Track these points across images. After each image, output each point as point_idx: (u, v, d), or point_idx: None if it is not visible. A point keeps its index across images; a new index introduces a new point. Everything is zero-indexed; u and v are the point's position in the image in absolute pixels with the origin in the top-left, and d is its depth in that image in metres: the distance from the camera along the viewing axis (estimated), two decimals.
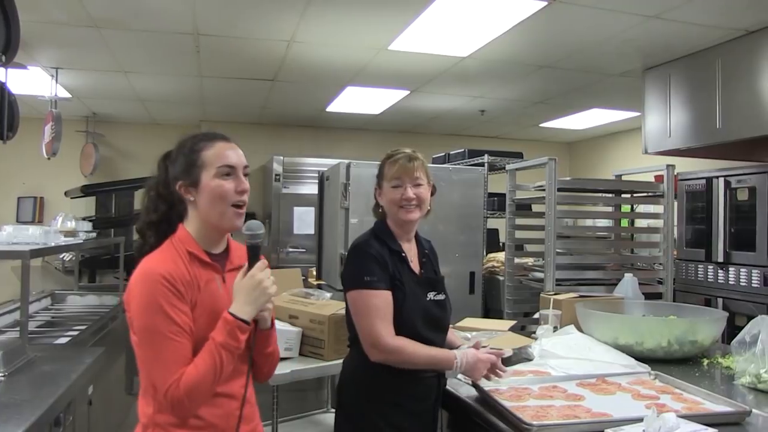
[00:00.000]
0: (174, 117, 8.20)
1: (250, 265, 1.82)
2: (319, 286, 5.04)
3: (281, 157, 7.75)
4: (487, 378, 2.27)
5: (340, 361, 2.47)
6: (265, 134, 8.46)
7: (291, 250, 7.53)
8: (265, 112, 7.79)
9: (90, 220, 6.07)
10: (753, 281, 4.80)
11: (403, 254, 2.31)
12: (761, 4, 3.92)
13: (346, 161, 4.83)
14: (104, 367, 3.34)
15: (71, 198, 7.64)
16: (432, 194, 2.41)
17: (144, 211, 1.85)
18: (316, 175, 6.00)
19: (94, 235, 5.55)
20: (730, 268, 4.99)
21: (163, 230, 1.83)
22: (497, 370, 2.28)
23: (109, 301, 5.17)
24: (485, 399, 2.17)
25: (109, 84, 6.36)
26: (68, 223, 5.10)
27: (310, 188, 7.09)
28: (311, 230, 7.03)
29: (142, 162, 7.73)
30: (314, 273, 5.65)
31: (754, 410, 2.04)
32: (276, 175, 7.68)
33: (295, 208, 7.59)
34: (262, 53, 5.16)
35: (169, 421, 1.69)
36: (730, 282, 4.98)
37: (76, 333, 3.87)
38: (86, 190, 7.32)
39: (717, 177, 5.12)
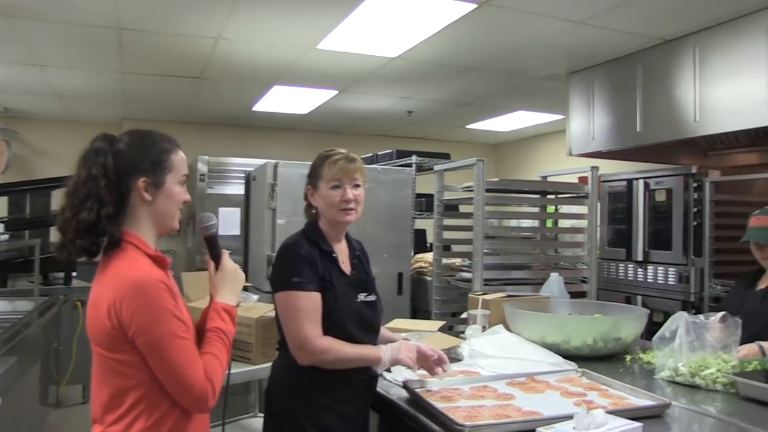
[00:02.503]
0: (94, 114, 7.92)
1: (213, 255, 1.95)
2: (246, 288, 4.94)
3: (206, 157, 7.60)
4: (431, 372, 2.29)
5: (268, 364, 2.41)
6: (190, 133, 8.27)
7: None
8: (191, 111, 7.62)
9: (2, 222, 5.80)
10: (669, 279, 4.98)
11: (334, 255, 2.27)
12: (678, 14, 4.07)
13: (274, 161, 4.77)
14: (16, 378, 3.18)
15: None
16: None
17: (95, 202, 1.68)
18: (242, 175, 5.91)
19: (6, 237, 5.30)
20: (648, 267, 5.16)
21: (117, 228, 1.73)
22: (443, 365, 2.30)
23: (22, 307, 4.92)
24: (416, 400, 2.16)
25: (22, 78, 6.07)
26: None
27: (236, 188, 6.97)
28: (237, 231, 6.91)
29: (60, 161, 7.43)
30: None
31: (672, 402, 2.12)
32: (201, 175, 7.52)
33: (221, 209, 7.43)
34: (187, 50, 5.03)
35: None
36: (648, 280, 5.16)
37: None
38: None
39: (637, 179, 5.29)
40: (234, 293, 1.91)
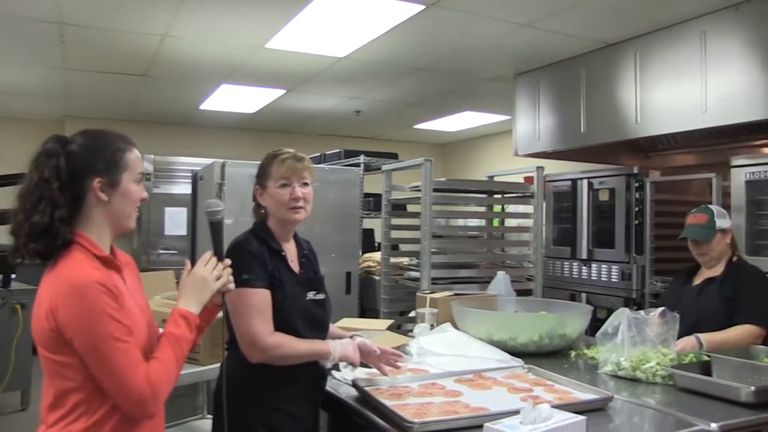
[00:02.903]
0: (34, 111, 7.71)
1: (215, 243, 1.96)
2: None
3: (152, 156, 7.47)
4: (381, 370, 2.33)
5: (216, 365, 2.40)
6: (135, 132, 7.83)
7: (162, 251, 7.27)
8: (136, 109, 7.49)
9: None
10: (612, 276, 5.11)
11: (283, 253, 2.27)
12: (618, 19, 4.19)
13: (221, 161, 4.72)
14: None
15: None
16: None
17: (48, 205, 1.66)
18: (189, 174, 5.85)
19: None
20: (592, 265, 5.28)
21: (69, 230, 1.70)
22: (395, 360, 2.36)
23: None
24: (365, 398, 2.18)
25: None
26: None
27: (183, 188, 6.88)
28: (183, 231, 6.84)
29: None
30: None
31: (615, 395, 2.19)
32: (146, 174, 7.39)
33: (167, 209, 7.34)
34: (133, 47, 4.94)
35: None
36: (592, 278, 5.28)
37: None
38: None
39: (581, 179, 5.41)
40: (196, 300, 1.84)
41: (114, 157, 1.76)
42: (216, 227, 1.99)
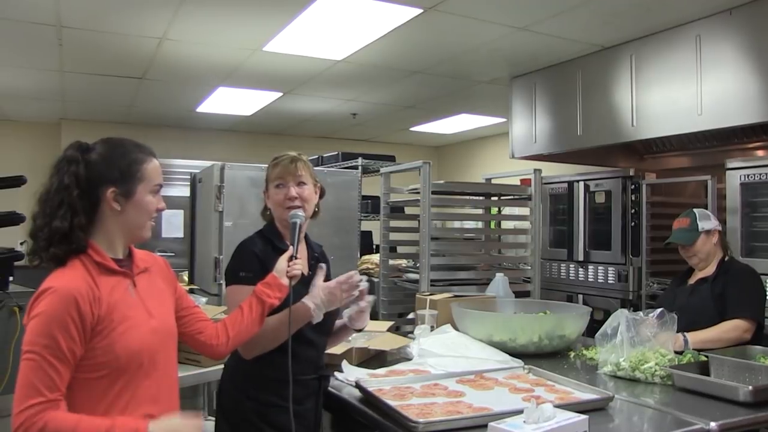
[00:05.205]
0: (30, 114, 7.68)
1: (291, 241, 2.18)
2: (192, 291, 4.90)
3: None
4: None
5: (218, 367, 2.42)
6: (131, 134, 7.72)
7: (159, 254, 7.23)
8: (132, 111, 7.48)
9: None
10: (609, 278, 5.14)
11: None
12: (614, 23, 4.22)
13: (220, 163, 4.72)
14: None
15: None
16: (321, 196, 2.46)
17: (68, 211, 1.68)
18: (185, 176, 5.83)
19: None
20: (589, 267, 5.31)
21: (85, 237, 1.71)
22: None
23: None
24: (369, 399, 2.20)
25: None
26: None
27: (179, 190, 6.85)
28: (180, 234, 6.81)
29: None
30: (185, 278, 5.48)
31: (615, 395, 2.22)
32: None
33: (163, 211, 7.31)
34: (131, 50, 4.95)
35: None
36: (589, 279, 5.31)
37: None
38: None
39: (578, 181, 5.44)
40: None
41: (130, 168, 1.77)
42: (294, 227, 2.22)
